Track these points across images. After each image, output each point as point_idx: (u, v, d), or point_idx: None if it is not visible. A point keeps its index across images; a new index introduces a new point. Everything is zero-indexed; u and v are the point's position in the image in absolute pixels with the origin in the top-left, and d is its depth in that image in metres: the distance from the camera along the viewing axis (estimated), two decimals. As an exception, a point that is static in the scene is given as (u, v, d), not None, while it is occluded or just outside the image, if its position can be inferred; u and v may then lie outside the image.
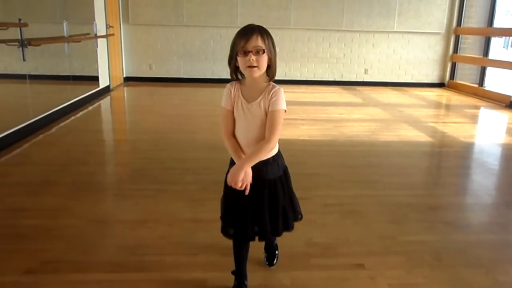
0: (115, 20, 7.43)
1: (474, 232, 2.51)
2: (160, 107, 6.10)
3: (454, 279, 2.00)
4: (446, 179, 3.61)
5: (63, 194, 2.88)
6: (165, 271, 2.00)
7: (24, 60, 4.18)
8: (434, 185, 3.34)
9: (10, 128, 3.96)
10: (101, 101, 6.37)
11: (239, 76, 1.65)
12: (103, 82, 6.78)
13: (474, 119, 6.03)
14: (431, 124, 5.36)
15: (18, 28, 4.06)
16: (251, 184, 1.60)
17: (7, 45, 3.99)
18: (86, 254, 2.14)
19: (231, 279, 1.86)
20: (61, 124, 4.85)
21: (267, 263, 2.04)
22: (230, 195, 1.67)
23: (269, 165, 1.67)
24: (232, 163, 1.69)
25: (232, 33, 1.60)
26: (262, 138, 1.62)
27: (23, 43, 4.13)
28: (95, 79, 6.54)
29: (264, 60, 1.55)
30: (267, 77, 1.63)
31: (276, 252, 2.06)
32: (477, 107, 6.77)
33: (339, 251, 2.21)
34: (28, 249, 2.15)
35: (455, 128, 5.19)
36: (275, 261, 2.04)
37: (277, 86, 1.63)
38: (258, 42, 1.53)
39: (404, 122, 5.40)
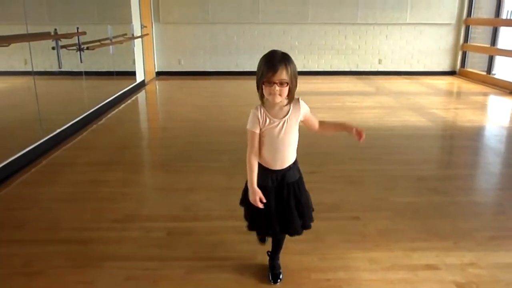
0: (147, 20, 8.22)
1: (450, 195, 3.17)
2: (191, 99, 6.87)
3: (427, 226, 2.68)
4: (436, 156, 4.30)
5: (127, 170, 3.67)
6: (212, 221, 2.76)
7: (81, 62, 5.00)
8: (425, 161, 3.97)
9: (75, 118, 4.79)
10: (138, 95, 7.19)
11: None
12: (139, 77, 7.60)
13: (475, 105, 6.54)
14: (434, 111, 5.95)
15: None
16: (277, 188, 1.93)
17: (67, 49, 4.79)
18: (154, 210, 2.93)
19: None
20: (109, 115, 5.68)
21: (271, 280, 2.10)
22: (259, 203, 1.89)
23: (291, 169, 1.93)
24: (263, 177, 1.90)
25: (254, 28, 2.04)
26: (294, 147, 1.93)
27: (81, 48, 4.94)
28: (132, 74, 7.37)
29: (286, 89, 1.78)
30: (286, 99, 1.86)
31: (280, 271, 2.14)
32: (482, 94, 7.28)
33: (341, 208, 2.92)
34: (113, 207, 2.94)
35: (455, 114, 5.79)
36: (279, 280, 2.11)
37: (298, 98, 1.91)
38: (283, 75, 1.73)
39: (410, 109, 6.01)
